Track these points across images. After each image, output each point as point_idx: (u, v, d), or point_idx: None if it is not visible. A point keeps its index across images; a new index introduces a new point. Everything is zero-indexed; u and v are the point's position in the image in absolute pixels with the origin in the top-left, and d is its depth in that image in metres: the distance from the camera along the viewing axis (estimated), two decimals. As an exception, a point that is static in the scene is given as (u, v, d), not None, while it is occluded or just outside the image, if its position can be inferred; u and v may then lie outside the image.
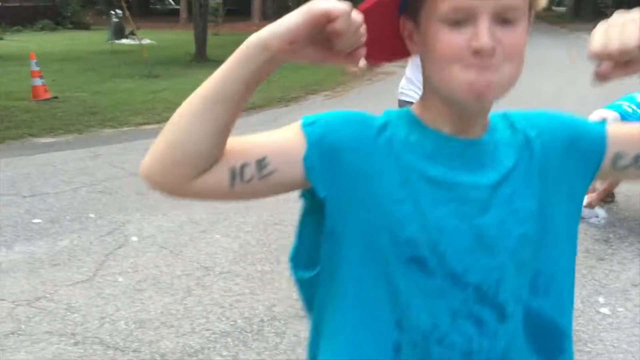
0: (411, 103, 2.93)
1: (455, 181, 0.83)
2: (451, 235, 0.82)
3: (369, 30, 0.72)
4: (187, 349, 2.64)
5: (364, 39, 0.72)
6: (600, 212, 4.19)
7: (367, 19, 0.71)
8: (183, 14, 32.93)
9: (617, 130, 0.89)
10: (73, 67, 12.40)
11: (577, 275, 1.99)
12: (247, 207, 4.43)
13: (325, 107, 8.86)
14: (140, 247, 3.72)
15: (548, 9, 51.55)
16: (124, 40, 19.79)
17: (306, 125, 0.85)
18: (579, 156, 0.88)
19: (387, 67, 13.24)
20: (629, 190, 4.80)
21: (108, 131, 7.12)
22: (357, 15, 0.69)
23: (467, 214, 0.83)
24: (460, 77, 0.76)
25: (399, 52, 0.88)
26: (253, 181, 0.81)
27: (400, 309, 0.83)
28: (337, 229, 0.84)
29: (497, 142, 0.87)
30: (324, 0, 0.67)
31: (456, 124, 0.84)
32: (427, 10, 0.78)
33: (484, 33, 0.73)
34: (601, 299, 3.10)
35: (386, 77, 11.28)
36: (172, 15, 36.71)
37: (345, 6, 0.67)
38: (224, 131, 0.77)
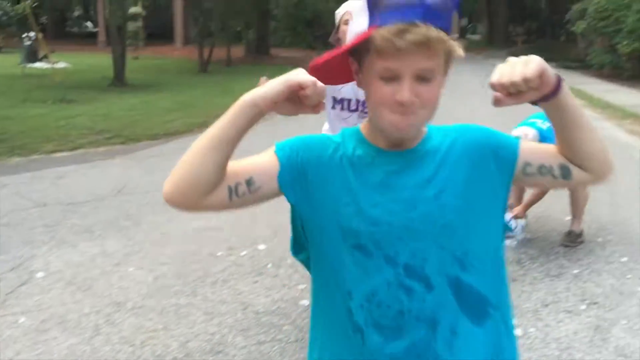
0: None
1: (389, 184, 1.11)
2: (384, 228, 1.09)
3: (330, 64, 1.11)
4: (93, 392, 2.48)
5: (323, 98, 1.04)
6: (521, 222, 4.40)
7: (330, 60, 1.11)
8: (101, 37, 32.06)
9: (526, 146, 1.16)
10: (-20, 91, 11.75)
11: None
12: (164, 238, 4.29)
13: (251, 130, 8.78)
14: (46, 283, 3.51)
15: (463, 37, 53.91)
16: (37, 64, 18.96)
17: (278, 150, 1.17)
18: (499, 161, 1.14)
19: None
20: (539, 211, 5.01)
21: (16, 159, 6.76)
22: (319, 84, 1.02)
23: (398, 210, 1.10)
24: (388, 118, 1.05)
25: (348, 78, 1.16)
26: (245, 195, 1.11)
27: (350, 282, 1.12)
28: (305, 225, 1.17)
29: (428, 150, 1.14)
30: (298, 74, 1.02)
31: (389, 142, 1.12)
32: (368, 64, 1.06)
33: (405, 90, 1.02)
34: (514, 320, 3.17)
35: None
36: (90, 38, 35.64)
37: (312, 78, 1.01)
38: (225, 164, 1.07)
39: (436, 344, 1.11)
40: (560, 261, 4.02)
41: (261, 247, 4.15)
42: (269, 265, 3.83)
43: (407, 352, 1.11)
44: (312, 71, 1.07)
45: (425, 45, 0.99)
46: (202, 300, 3.35)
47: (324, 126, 3.39)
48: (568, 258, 4.08)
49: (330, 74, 1.14)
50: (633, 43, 17.44)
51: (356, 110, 3.16)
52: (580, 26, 20.75)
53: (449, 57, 1.06)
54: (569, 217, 4.76)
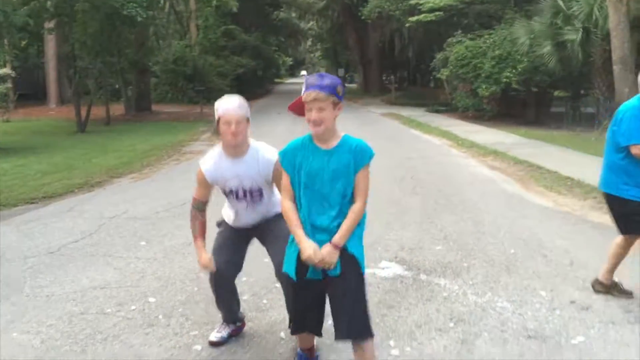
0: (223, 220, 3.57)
1: (319, 166, 2.71)
2: (315, 183, 2.70)
3: (296, 104, 2.73)
4: None
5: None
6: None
7: (293, 105, 2.76)
8: (-35, 101, 30.18)
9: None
10: None
11: (372, 324, 2.33)
12: (49, 301, 4.22)
13: (133, 189, 8.74)
14: None
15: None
16: None
17: (281, 158, 2.82)
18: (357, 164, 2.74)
19: (196, 146, 13.45)
20: (415, 242, 5.46)
21: None
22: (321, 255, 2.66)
23: (321, 176, 2.70)
24: (312, 128, 2.69)
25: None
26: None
27: (304, 209, 2.73)
28: (292, 182, 2.77)
29: (339, 149, 2.71)
30: (307, 254, 2.65)
31: (319, 143, 2.73)
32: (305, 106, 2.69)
33: (313, 114, 2.65)
34: (392, 342, 3.49)
35: (193, 157, 11.46)
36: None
37: (316, 257, 2.65)
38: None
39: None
40: (432, 286, 4.43)
41: (151, 299, 4.20)
42: (160, 316, 3.91)
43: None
44: (290, 108, 2.78)
45: (316, 99, 2.62)
46: (92, 357, 3.36)
47: (223, 211, 3.56)
48: (438, 283, 4.51)
49: (296, 111, 2.77)
50: (490, 87, 19.23)
51: (245, 197, 3.34)
52: (444, 73, 22.56)
53: (335, 103, 2.67)
54: (439, 247, 5.24)
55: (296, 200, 2.76)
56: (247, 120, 3.29)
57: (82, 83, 19.37)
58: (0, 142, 13.59)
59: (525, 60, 17.87)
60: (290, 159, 2.76)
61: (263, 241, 3.54)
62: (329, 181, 2.68)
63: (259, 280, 4.56)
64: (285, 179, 2.79)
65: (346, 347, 3.38)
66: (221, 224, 3.58)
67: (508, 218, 6.54)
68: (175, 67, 31.15)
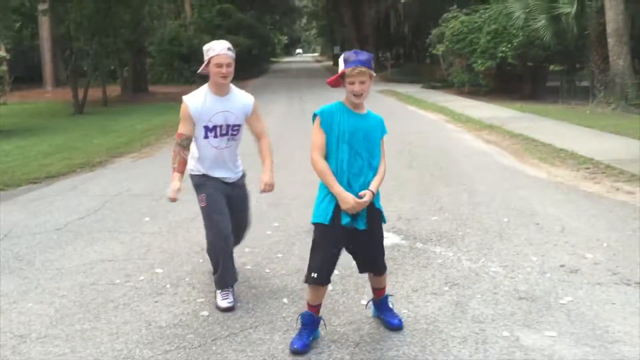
0: (197, 175, 3.75)
1: (355, 126, 3.12)
2: (353, 140, 3.11)
3: (335, 79, 3.14)
4: (9, 415, 2.62)
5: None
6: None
7: (334, 79, 3.16)
8: (-39, 84, 30.10)
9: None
10: None
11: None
12: (60, 274, 4.39)
13: (133, 168, 8.87)
14: (-57, 327, 3.52)
15: (336, 63, 55.99)
16: None
17: (320, 117, 3.12)
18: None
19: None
20: (412, 213, 5.61)
21: None
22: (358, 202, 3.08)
23: (357, 134, 3.12)
24: (351, 97, 3.11)
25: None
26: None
27: (342, 162, 3.12)
28: (327, 139, 3.12)
29: (369, 115, 3.22)
30: (350, 205, 3.06)
31: (354, 108, 3.15)
32: (345, 79, 3.07)
33: (356, 87, 3.05)
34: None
35: (192, 136, 11.55)
36: (-52, 85, 33.27)
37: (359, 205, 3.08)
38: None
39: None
40: (428, 254, 4.61)
41: (158, 270, 4.37)
42: (168, 286, 4.08)
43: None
44: (329, 83, 3.20)
45: (360, 72, 3.01)
46: (106, 323, 3.53)
47: (189, 164, 3.76)
48: (433, 250, 4.68)
49: (334, 84, 3.16)
50: (486, 62, 19.27)
51: (226, 134, 3.71)
52: (439, 49, 22.59)
53: (371, 75, 3.06)
54: (435, 217, 5.38)
55: (327, 157, 3.11)
56: (234, 62, 3.67)
57: (78, 64, 19.38)
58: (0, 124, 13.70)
59: (520, 34, 17.88)
60: (327, 119, 3.11)
61: (234, 206, 3.89)
62: (362, 139, 3.13)
63: (261, 252, 4.73)
64: (320, 137, 3.11)
65: (349, 308, 3.57)
66: (199, 186, 3.83)
67: (502, 189, 6.71)
68: (171, 47, 31.07)
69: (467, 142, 10.54)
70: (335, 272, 4.00)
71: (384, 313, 3.45)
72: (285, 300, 3.81)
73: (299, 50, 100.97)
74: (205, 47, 3.68)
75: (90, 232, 5.47)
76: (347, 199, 3.03)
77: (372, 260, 3.34)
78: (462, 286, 3.95)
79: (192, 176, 3.87)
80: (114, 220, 5.84)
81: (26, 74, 32.27)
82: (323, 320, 3.29)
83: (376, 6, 35.03)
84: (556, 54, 18.47)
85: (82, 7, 17.43)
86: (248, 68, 38.04)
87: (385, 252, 4.32)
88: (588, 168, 7.68)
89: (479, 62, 19.38)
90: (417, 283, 4.03)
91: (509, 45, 18.21)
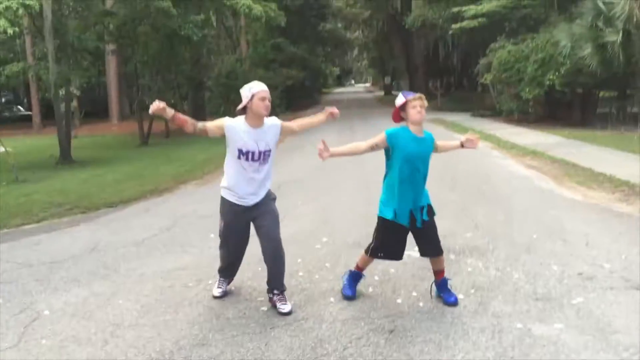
0: (224, 200, 4.40)
1: (417, 149, 4.09)
2: (415, 163, 4.09)
3: (396, 112, 4.20)
4: (114, 378, 3.36)
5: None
6: None
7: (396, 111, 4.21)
8: (36, 119, 32.41)
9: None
10: None
11: None
12: (142, 279, 5.17)
13: (197, 193, 9.75)
14: (54, 317, 4.34)
15: (388, 92, 56.89)
16: (-23, 150, 19.38)
17: (388, 135, 4.11)
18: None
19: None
20: (449, 230, 6.18)
21: (-12, 234, 7.43)
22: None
23: (419, 158, 4.12)
24: (417, 121, 4.12)
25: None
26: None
27: (403, 180, 4.16)
28: (391, 156, 4.17)
29: (427, 138, 4.19)
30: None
31: (414, 132, 4.10)
32: (406, 108, 4.14)
33: (420, 112, 4.10)
34: (421, 304, 4.26)
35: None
36: (22, 121, 35.78)
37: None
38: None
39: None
40: (460, 264, 5.17)
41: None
42: (233, 288, 4.79)
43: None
44: (393, 117, 4.24)
45: (421, 98, 4.08)
46: (184, 315, 4.27)
47: (222, 182, 4.46)
48: (465, 261, 5.24)
49: (395, 119, 4.22)
50: (534, 90, 19.59)
51: (258, 160, 4.29)
52: (487, 78, 23.01)
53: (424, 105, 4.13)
54: (469, 234, 5.94)
55: (389, 173, 4.22)
56: None
57: (142, 99, 20.82)
58: (75, 156, 14.99)
59: (567, 62, 18.17)
60: (394, 137, 4.10)
61: (259, 219, 4.35)
62: (421, 160, 4.12)
63: (312, 261, 5.41)
64: (381, 141, 4.14)
65: (385, 305, 4.19)
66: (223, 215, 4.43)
67: (537, 209, 7.18)
68: (227, 81, 32.50)
69: (510, 167, 10.99)
70: (375, 277, 4.68)
71: (443, 292, 4.31)
72: (332, 299, 4.46)
73: (351, 81, 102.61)
74: (245, 87, 4.24)
75: (164, 246, 6.28)
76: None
77: (433, 247, 4.25)
78: (486, 289, 4.51)
79: (221, 198, 4.43)
80: (183, 237, 6.65)
81: (93, 109, 34.44)
82: (364, 276, 4.51)
83: (425, 37, 35.76)
84: (606, 81, 18.60)
85: (148, 47, 18.84)
86: (301, 99, 39.30)
87: (420, 264, 4.96)
88: (623, 190, 8.05)
89: (527, 90, 19.70)
90: (451, 288, 4.61)
91: (557, 73, 18.49)
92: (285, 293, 4.37)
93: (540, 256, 5.28)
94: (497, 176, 9.97)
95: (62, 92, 15.01)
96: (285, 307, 4.25)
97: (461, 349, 3.54)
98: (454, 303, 4.20)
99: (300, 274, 5.11)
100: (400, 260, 4.44)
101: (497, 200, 7.83)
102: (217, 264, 5.39)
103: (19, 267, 5.71)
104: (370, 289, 4.61)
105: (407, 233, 4.26)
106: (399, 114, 4.16)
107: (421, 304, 4.28)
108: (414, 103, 4.03)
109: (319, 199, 8.49)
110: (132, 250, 6.17)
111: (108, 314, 4.38)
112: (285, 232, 6.50)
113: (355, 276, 4.49)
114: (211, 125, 4.36)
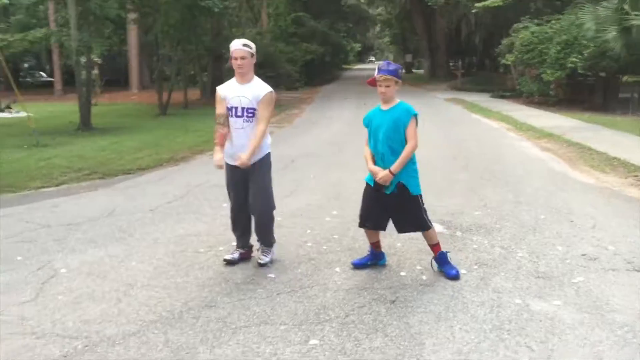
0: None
1: (378, 121, 4.29)
2: (377, 134, 4.28)
3: (371, 81, 4.29)
4: (125, 331, 3.53)
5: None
6: None
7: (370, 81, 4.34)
8: (58, 86, 32.76)
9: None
10: (-45, 140, 12.51)
11: (428, 222, 3.22)
12: (156, 243, 5.34)
13: (212, 164, 9.86)
14: (70, 275, 4.52)
15: (409, 71, 56.44)
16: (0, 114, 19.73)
17: (364, 120, 4.52)
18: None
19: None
20: (458, 208, 6.25)
21: (9, 195, 7.65)
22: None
23: (381, 127, 4.25)
24: (380, 96, 4.31)
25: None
26: None
27: (376, 147, 4.31)
28: (368, 133, 4.44)
29: (395, 109, 4.28)
30: (378, 177, 4.26)
31: (381, 106, 4.34)
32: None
33: (381, 89, 4.26)
34: (424, 277, 4.37)
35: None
36: (44, 87, 36.20)
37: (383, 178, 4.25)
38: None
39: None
40: (465, 241, 5.27)
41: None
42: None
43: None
44: (368, 82, 4.35)
45: (385, 79, 4.17)
46: (194, 278, 4.43)
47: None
48: (470, 238, 5.33)
49: (372, 84, 4.30)
50: (556, 72, 19.35)
51: (241, 116, 4.53)
52: (509, 59, 22.76)
53: (395, 81, 4.22)
54: (478, 212, 6.01)
55: (369, 144, 4.38)
56: (252, 55, 4.53)
57: (162, 69, 20.96)
58: (94, 123, 15.20)
59: (591, 45, 17.91)
60: (367, 120, 4.42)
61: (250, 184, 4.66)
62: (385, 130, 4.22)
63: (320, 233, 5.53)
64: (366, 133, 4.42)
65: (389, 277, 4.31)
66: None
67: (547, 191, 7.22)
68: (247, 54, 32.57)
69: (524, 149, 10.98)
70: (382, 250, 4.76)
71: (443, 266, 4.43)
72: (337, 269, 4.59)
73: (371, 58, 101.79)
74: (230, 46, 4.55)
75: (178, 213, 6.45)
76: (377, 174, 4.24)
77: (401, 221, 4.37)
78: (489, 266, 4.60)
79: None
80: (197, 205, 6.81)
81: (113, 77, 34.71)
82: (385, 256, 4.69)
83: (448, 16, 35.32)
84: (630, 65, 18.33)
85: (170, 17, 18.89)
86: (320, 75, 39.16)
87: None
88: (636, 176, 8.03)
89: (548, 72, 19.47)
90: (453, 263, 4.71)
91: (579, 56, 18.25)
92: (272, 249, 4.83)
93: (546, 237, 5.35)
94: (511, 157, 9.98)
95: (83, 59, 15.15)
96: (263, 259, 4.73)
97: (459, 320, 3.65)
98: (455, 276, 4.31)
99: (309, 244, 5.23)
100: (407, 235, 4.56)
101: (509, 181, 7.87)
102: (229, 232, 5.55)
103: (38, 228, 5.91)
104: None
105: (382, 199, 4.33)
106: (375, 84, 4.31)
107: (424, 277, 4.39)
108: (379, 83, 4.23)
109: (331, 173, 8.59)
110: (147, 216, 6.34)
111: (122, 274, 4.56)
112: (297, 204, 6.71)
113: (370, 250, 4.66)
114: (218, 109, 4.67)
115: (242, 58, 4.47)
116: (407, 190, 4.28)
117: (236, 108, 4.53)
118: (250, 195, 4.67)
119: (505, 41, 23.75)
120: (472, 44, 36.16)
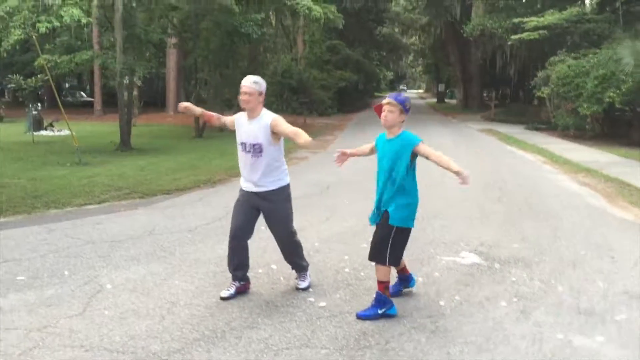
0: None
1: (383, 150, 4.28)
2: (381, 162, 4.27)
3: (377, 108, 4.29)
4: (169, 348, 3.61)
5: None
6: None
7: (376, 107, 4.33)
8: (97, 106, 33.64)
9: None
10: None
11: (387, 257, 3.33)
12: (196, 263, 5.45)
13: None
14: (116, 291, 4.65)
15: (442, 100, 56.40)
16: (42, 132, 20.33)
17: (376, 140, 4.54)
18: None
19: (301, 153, 14.71)
20: (495, 240, 6.23)
21: (54, 211, 7.89)
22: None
23: (384, 157, 4.24)
24: (382, 121, 4.23)
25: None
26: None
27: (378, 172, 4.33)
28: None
29: (397, 139, 4.19)
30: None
31: (387, 134, 4.28)
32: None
33: (383, 114, 4.21)
34: (464, 308, 4.37)
35: (299, 162, 12.70)
36: (84, 107, 37.23)
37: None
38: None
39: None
40: (504, 273, 5.25)
41: (273, 267, 5.33)
42: (281, 278, 5.02)
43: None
44: (375, 109, 4.33)
45: (389, 103, 4.12)
46: (235, 300, 4.51)
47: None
48: (509, 271, 5.31)
49: (377, 111, 4.27)
50: (592, 106, 19.17)
51: (250, 152, 4.58)
52: (544, 92, 22.65)
53: (401, 110, 4.16)
54: (516, 245, 5.98)
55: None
56: (260, 94, 4.48)
57: (199, 92, 21.40)
58: (133, 143, 15.58)
59: (629, 80, 17.75)
60: (376, 141, 4.45)
61: (265, 216, 4.70)
62: (388, 160, 4.20)
63: (357, 259, 5.58)
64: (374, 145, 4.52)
65: (428, 306, 4.32)
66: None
67: (586, 226, 7.15)
68: (282, 80, 33.01)
69: (561, 182, 10.88)
70: (420, 279, 4.81)
71: (374, 303, 4.23)
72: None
73: (402, 87, 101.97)
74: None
75: (216, 234, 6.56)
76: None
77: (371, 248, 4.25)
78: (530, 299, 4.58)
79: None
80: (235, 227, 6.91)
81: (150, 99, 35.51)
82: (414, 276, 4.78)
83: (483, 47, 35.37)
84: (669, 101, 18.11)
85: (209, 42, 19.35)
86: (353, 102, 39.43)
87: (464, 270, 5.07)
88: (677, 213, 7.90)
89: (585, 106, 19.31)
90: (490, 294, 4.71)
91: (617, 91, 18.08)
92: (307, 273, 4.90)
93: (586, 272, 5.30)
94: (547, 191, 9.90)
95: (126, 81, 15.59)
96: (301, 284, 4.81)
97: (501, 352, 3.64)
98: (365, 316, 4.18)
99: (347, 270, 5.28)
100: (445, 265, 4.56)
101: (545, 215, 7.81)
102: (267, 255, 5.62)
103: (82, 244, 6.09)
104: (414, 290, 4.74)
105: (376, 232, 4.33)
106: (381, 110, 4.27)
107: (464, 308, 4.39)
108: (384, 108, 4.19)
109: (365, 200, 8.62)
110: (186, 236, 6.47)
111: (165, 292, 4.66)
112: (333, 229, 6.77)
113: (404, 280, 4.69)
114: (230, 120, 4.81)
115: (249, 94, 4.41)
116: (387, 218, 4.15)
117: (245, 144, 4.54)
118: (270, 227, 4.74)
119: (540, 74, 23.67)
120: (506, 75, 36.06)
